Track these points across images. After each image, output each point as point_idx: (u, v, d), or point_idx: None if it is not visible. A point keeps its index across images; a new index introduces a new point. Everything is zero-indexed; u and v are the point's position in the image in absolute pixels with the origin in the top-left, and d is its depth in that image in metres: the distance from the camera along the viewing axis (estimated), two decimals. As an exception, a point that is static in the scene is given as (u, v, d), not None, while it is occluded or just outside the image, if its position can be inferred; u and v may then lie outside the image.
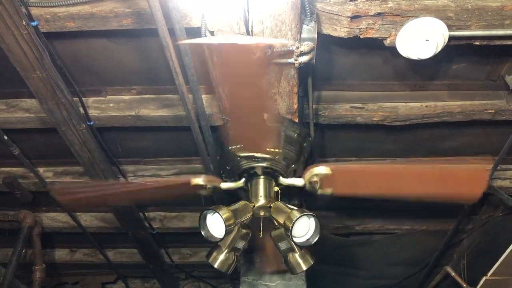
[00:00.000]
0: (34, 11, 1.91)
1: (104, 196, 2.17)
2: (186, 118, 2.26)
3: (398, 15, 1.81)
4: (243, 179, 2.13)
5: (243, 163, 2.13)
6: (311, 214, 1.82)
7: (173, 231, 3.72)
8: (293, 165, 2.20)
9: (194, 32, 1.88)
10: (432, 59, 1.89)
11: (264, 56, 1.32)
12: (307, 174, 1.87)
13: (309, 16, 1.77)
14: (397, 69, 2.32)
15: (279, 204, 1.99)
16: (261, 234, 2.05)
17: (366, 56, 2.25)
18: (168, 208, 3.63)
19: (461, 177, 1.74)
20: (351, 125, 2.49)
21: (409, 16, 1.81)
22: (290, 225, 1.76)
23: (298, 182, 1.99)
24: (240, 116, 1.64)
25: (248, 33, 1.76)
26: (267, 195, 2.04)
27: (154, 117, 2.45)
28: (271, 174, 2.12)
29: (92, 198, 2.18)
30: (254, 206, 2.00)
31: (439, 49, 1.84)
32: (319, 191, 1.87)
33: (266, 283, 3.70)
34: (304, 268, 2.05)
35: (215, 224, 1.86)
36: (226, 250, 2.05)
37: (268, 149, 1.87)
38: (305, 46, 1.79)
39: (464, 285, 3.54)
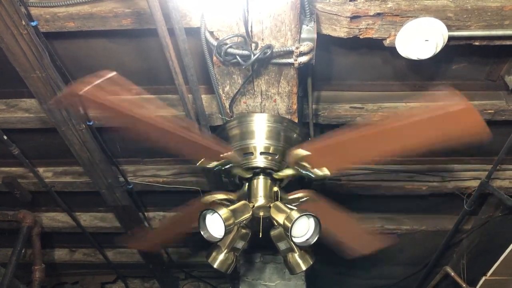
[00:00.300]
0: (33, 11, 1.91)
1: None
2: (186, 118, 2.26)
3: (397, 15, 1.81)
4: (247, 184, 2.14)
5: (244, 163, 2.13)
6: (310, 214, 1.82)
7: (173, 231, 3.72)
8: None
9: (193, 32, 1.88)
10: (432, 59, 1.89)
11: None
12: (290, 160, 1.88)
13: (308, 16, 1.77)
14: (397, 69, 2.32)
15: (279, 204, 1.99)
16: (260, 234, 2.05)
17: (365, 56, 2.25)
18: (167, 208, 3.63)
19: (452, 116, 1.49)
20: (351, 125, 2.49)
21: (408, 16, 1.81)
22: (290, 225, 1.76)
23: (289, 171, 2.04)
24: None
25: (247, 33, 1.76)
26: (267, 195, 2.05)
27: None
28: (271, 174, 2.12)
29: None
30: (253, 206, 2.00)
31: (438, 49, 1.84)
32: (315, 175, 1.87)
33: (266, 283, 3.70)
34: (304, 268, 2.05)
35: (215, 224, 1.86)
36: (226, 250, 2.06)
37: (223, 155, 1.88)
38: (305, 47, 1.79)
39: (464, 285, 3.54)
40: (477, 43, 1.93)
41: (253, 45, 1.80)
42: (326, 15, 1.86)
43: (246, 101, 2.14)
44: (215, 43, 1.80)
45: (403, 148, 1.69)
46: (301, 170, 1.90)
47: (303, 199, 2.09)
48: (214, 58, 1.91)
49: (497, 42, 1.93)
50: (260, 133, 2.18)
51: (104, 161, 2.77)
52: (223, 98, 2.14)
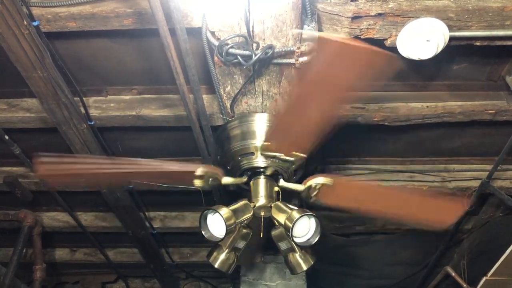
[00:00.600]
0: (35, 11, 1.91)
1: (93, 174, 1.92)
2: (187, 118, 2.27)
3: (399, 15, 1.81)
4: (245, 176, 2.14)
5: (244, 163, 2.13)
6: (311, 214, 1.83)
7: (174, 231, 3.72)
8: (293, 165, 2.21)
9: (195, 32, 1.88)
10: (433, 60, 1.89)
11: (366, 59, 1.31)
12: (309, 182, 1.91)
13: (309, 16, 1.77)
14: (398, 69, 2.32)
15: (280, 204, 1.99)
16: (261, 234, 2.06)
17: (366, 56, 2.25)
18: (168, 208, 3.64)
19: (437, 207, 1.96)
20: (352, 125, 2.49)
21: (410, 17, 1.81)
22: (291, 225, 1.77)
23: (298, 187, 2.02)
24: (297, 111, 1.60)
25: (249, 33, 1.76)
26: (268, 195, 2.05)
27: (155, 117, 2.45)
28: (272, 175, 2.12)
29: (80, 175, 1.92)
30: (254, 206, 2.00)
31: (439, 49, 1.84)
32: (313, 199, 1.94)
33: (267, 283, 3.71)
34: (305, 268, 2.06)
35: (216, 224, 1.86)
36: (227, 250, 2.06)
37: (294, 152, 1.88)
38: (306, 47, 1.79)
39: (464, 285, 3.54)
40: (478, 44, 1.93)
41: (255, 45, 1.80)
42: (327, 15, 1.86)
43: (247, 101, 2.14)
44: (216, 43, 1.81)
45: (394, 214, 2.07)
46: (310, 193, 1.94)
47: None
48: (216, 58, 1.91)
49: (498, 43, 1.93)
50: (261, 133, 2.18)
51: (105, 161, 2.77)
52: (224, 98, 2.14)
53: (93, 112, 2.46)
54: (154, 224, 3.63)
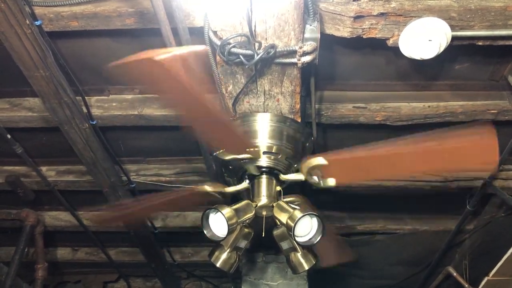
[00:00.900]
0: (37, 10, 1.91)
1: (129, 216, 2.32)
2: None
3: (401, 15, 1.81)
4: (246, 181, 2.14)
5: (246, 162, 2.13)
6: (313, 214, 1.82)
7: (175, 230, 3.72)
8: (295, 165, 2.21)
9: (197, 31, 1.89)
10: (435, 59, 1.88)
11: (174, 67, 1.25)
12: (304, 166, 1.86)
13: (312, 16, 1.77)
14: (400, 69, 2.32)
15: (282, 203, 1.99)
16: (263, 233, 2.06)
17: (368, 56, 2.25)
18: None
19: (470, 151, 1.53)
20: (354, 125, 2.49)
21: (412, 16, 1.81)
22: (293, 225, 1.76)
23: (298, 176, 1.99)
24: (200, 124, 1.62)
25: (251, 33, 1.76)
26: (270, 195, 2.05)
27: (156, 116, 2.46)
28: (273, 174, 2.12)
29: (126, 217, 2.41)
30: (256, 205, 2.00)
31: (442, 49, 1.84)
32: (322, 184, 1.85)
33: (268, 283, 3.71)
34: (306, 267, 2.05)
35: (218, 223, 1.86)
36: (228, 250, 2.06)
37: (248, 149, 1.87)
38: (308, 46, 1.79)
39: (466, 285, 3.54)
40: (480, 43, 1.92)
41: (257, 44, 1.80)
42: (330, 14, 1.86)
43: (249, 100, 2.14)
44: (218, 42, 1.81)
45: (414, 173, 1.72)
46: (312, 178, 1.88)
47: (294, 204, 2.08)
48: (218, 57, 1.91)
49: (501, 42, 1.93)
50: (263, 133, 2.18)
51: (107, 160, 2.78)
52: (226, 97, 2.14)
53: (95, 111, 2.47)
54: (156, 223, 3.63)
